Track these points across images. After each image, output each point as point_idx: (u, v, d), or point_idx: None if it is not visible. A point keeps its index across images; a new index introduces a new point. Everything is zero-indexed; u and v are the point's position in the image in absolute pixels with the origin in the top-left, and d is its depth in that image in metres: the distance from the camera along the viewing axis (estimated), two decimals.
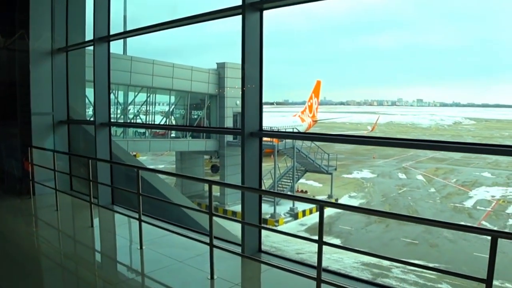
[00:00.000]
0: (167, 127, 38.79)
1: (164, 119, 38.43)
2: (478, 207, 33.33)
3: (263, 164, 7.16)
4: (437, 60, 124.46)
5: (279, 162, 36.12)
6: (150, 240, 7.22)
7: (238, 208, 28.02)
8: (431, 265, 21.54)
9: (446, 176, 44.09)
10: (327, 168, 36.37)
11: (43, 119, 11.22)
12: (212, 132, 35.77)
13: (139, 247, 7.01)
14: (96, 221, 8.62)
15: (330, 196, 35.71)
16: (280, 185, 35.43)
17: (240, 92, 6.66)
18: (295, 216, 32.04)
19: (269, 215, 31.08)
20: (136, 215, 7.07)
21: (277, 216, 31.24)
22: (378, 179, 43.61)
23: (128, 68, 31.45)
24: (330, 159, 36.87)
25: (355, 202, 35.47)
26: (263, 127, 7.09)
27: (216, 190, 33.63)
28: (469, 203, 34.48)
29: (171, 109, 38.19)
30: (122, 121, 34.38)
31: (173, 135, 36.66)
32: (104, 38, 9.73)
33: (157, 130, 37.78)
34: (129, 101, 35.45)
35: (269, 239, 23.75)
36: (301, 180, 38.43)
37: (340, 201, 35.13)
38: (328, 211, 28.09)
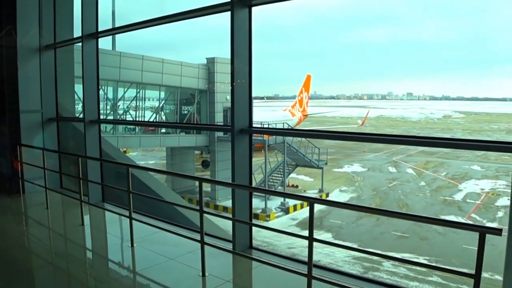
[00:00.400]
0: (157, 124, 38.70)
1: (154, 114, 38.27)
2: (468, 200, 33.60)
3: (254, 159, 7.18)
4: (427, 54, 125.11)
5: (270, 156, 36.14)
6: (141, 238, 7.22)
7: (229, 203, 28.02)
8: (421, 258, 21.77)
9: (436, 169, 44.39)
10: (317, 163, 36.44)
11: (32, 116, 11.13)
12: (202, 129, 35.73)
13: (130, 245, 7.01)
14: (86, 219, 8.58)
15: (321, 190, 35.82)
16: (271, 180, 35.46)
17: (230, 87, 6.65)
18: (286, 211, 32.13)
19: (260, 210, 31.14)
20: (127, 213, 7.05)
21: (268, 211, 31.30)
22: (368, 173, 43.81)
23: (118, 63, 31.27)
24: (321, 153, 36.92)
25: (345, 196, 35.65)
26: (253, 122, 7.10)
27: (207, 186, 33.61)
28: (459, 196, 34.75)
29: (161, 105, 38.03)
30: (112, 117, 34.22)
31: (163, 130, 36.52)
32: (92, 35, 9.67)
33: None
34: (119, 97, 35.26)
35: (260, 234, 23.78)
36: (292, 175, 38.53)
37: (330, 195, 35.36)
38: (320, 205, 28.19)
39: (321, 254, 21.71)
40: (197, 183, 6.16)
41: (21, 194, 10.36)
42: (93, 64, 9.78)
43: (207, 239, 5.93)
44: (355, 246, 21.28)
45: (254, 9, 6.61)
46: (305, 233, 4.80)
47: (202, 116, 38.23)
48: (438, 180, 39.91)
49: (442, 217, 27.50)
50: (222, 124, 35.55)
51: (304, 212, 30.62)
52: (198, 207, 5.89)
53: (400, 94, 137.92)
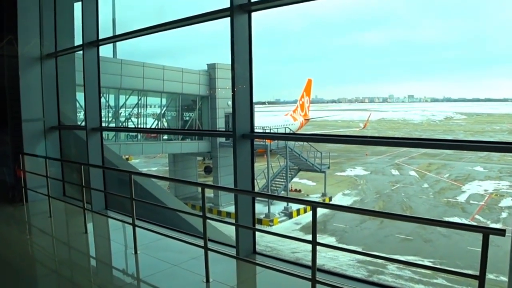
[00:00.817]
0: (159, 131, 38.75)
1: (156, 121, 38.32)
2: (471, 202, 33.51)
3: (256, 164, 7.18)
4: (427, 55, 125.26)
5: (272, 161, 36.14)
6: (145, 245, 7.21)
7: (232, 208, 27.98)
8: (425, 261, 21.70)
9: (438, 171, 44.30)
10: (320, 167, 36.42)
11: (34, 125, 11.15)
12: (204, 135, 35.82)
13: (133, 252, 7.00)
14: (90, 227, 8.59)
15: (324, 195, 35.80)
16: (273, 185, 35.44)
17: (231, 93, 6.66)
18: (289, 216, 32.08)
19: (264, 215, 31.11)
20: (130, 220, 7.05)
21: (272, 215, 31.26)
22: (371, 176, 43.74)
23: (119, 71, 31.35)
24: (323, 157, 36.92)
25: (349, 200, 35.57)
26: (255, 127, 7.10)
27: (209, 192, 33.60)
28: (462, 198, 34.66)
29: (162, 112, 38.08)
30: (114, 124, 34.27)
31: (165, 137, 36.56)
32: (93, 43, 9.70)
33: None
34: (120, 104, 35.33)
35: (264, 239, 23.76)
36: (295, 179, 38.46)
37: (334, 199, 35.30)
38: (323, 209, 28.16)
39: (325, 258, 21.66)
40: (200, 189, 6.16)
41: (24, 203, 10.37)
42: (94, 72, 9.80)
43: (210, 245, 5.93)
44: (359, 249, 21.24)
45: (253, 14, 6.64)
46: (309, 237, 4.80)
47: (204, 122, 38.26)
48: (441, 182, 39.82)
49: (446, 219, 27.45)
50: (223, 129, 35.56)
51: (307, 217, 30.50)
52: (201, 213, 5.89)
53: (401, 97, 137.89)
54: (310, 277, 4.72)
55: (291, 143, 35.28)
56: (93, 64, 9.80)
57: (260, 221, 30.06)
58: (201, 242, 5.96)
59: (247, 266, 6.45)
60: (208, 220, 5.91)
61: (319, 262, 4.77)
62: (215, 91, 36.96)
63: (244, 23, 6.56)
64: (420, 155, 51.81)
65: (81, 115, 16.27)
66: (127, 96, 35.05)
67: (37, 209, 10.16)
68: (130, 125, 35.86)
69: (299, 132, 54.66)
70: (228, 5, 6.46)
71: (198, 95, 37.49)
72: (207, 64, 37.90)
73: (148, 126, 36.73)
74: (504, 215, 30.14)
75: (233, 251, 6.69)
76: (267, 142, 33.68)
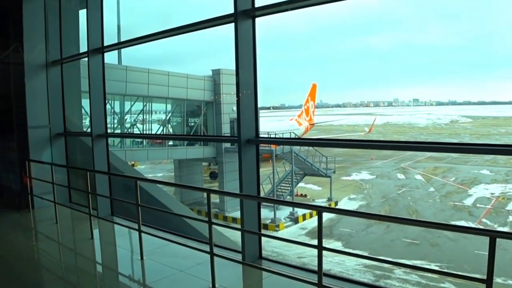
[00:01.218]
0: (164, 137, 38.81)
1: (161, 127, 38.40)
2: (478, 205, 33.36)
3: (262, 169, 7.19)
4: (432, 58, 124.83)
5: (278, 166, 36.13)
6: (151, 250, 7.22)
7: (238, 214, 28.01)
8: (432, 265, 21.59)
9: (444, 175, 44.14)
10: (325, 171, 36.35)
11: (40, 132, 11.21)
12: (209, 141, 35.85)
13: (139, 258, 7.00)
14: (96, 233, 8.61)
15: (329, 199, 35.71)
16: (279, 190, 35.39)
17: (236, 98, 6.68)
18: (295, 220, 32.02)
19: (270, 220, 31.07)
20: (136, 226, 7.06)
21: (278, 220, 31.21)
22: (377, 180, 43.61)
23: (124, 77, 31.45)
24: (328, 161, 36.86)
25: (354, 204, 35.49)
26: (260, 133, 7.11)
27: (215, 197, 33.61)
28: (468, 201, 34.52)
29: (167, 117, 38.16)
30: (119, 131, 34.36)
31: (170, 143, 36.58)
32: (98, 50, 9.75)
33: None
34: (126, 110, 35.43)
35: (270, 244, 23.74)
36: (300, 184, 38.37)
37: (339, 204, 35.26)
38: (329, 214, 28.10)
39: (332, 263, 21.61)
40: (205, 194, 6.16)
41: (30, 209, 10.41)
42: (100, 78, 9.85)
43: (216, 250, 5.93)
44: (365, 254, 21.18)
45: (257, 19, 6.66)
46: (315, 242, 4.79)
47: (209, 127, 38.30)
48: (447, 186, 39.67)
49: (453, 222, 27.30)
50: (229, 135, 35.59)
51: (313, 222, 30.40)
52: (206, 219, 5.89)
53: (406, 100, 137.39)
54: (317, 282, 4.71)
55: (296, 148, 35.26)
56: (98, 71, 9.84)
57: (266, 226, 30.02)
58: (207, 248, 5.96)
59: (253, 272, 6.44)
60: (214, 226, 5.91)
61: (325, 267, 4.76)
62: (220, 96, 36.99)
63: (248, 29, 6.59)
64: (426, 159, 51.63)
65: (86, 121, 16.37)
66: (132, 103, 35.15)
67: (43, 216, 10.19)
68: (136, 131, 35.95)
69: (304, 137, 54.60)
70: (232, 10, 6.49)
71: (203, 101, 37.54)
72: (212, 70, 37.96)
73: (153, 132, 36.80)
74: (511, 218, 29.97)
75: (239, 257, 6.68)
76: (272, 147, 33.65)
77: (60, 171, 10.76)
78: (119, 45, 11.59)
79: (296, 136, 40.73)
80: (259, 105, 6.90)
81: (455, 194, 36.93)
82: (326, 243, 4.77)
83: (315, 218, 5.15)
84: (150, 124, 37.17)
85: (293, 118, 59.78)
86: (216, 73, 37.29)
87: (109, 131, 10.75)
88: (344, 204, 35.73)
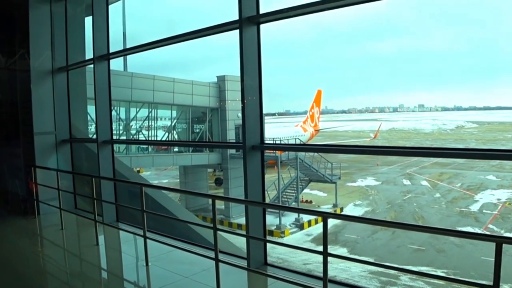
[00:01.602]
0: (169, 143, 38.85)
1: (167, 134, 38.47)
2: (484, 211, 33.20)
3: (267, 175, 7.19)
4: (437, 64, 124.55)
5: (283, 172, 36.09)
6: (156, 257, 7.21)
7: (243, 220, 28.07)
8: (438, 271, 21.47)
9: (450, 180, 43.97)
10: (331, 177, 36.28)
11: (45, 138, 11.25)
12: (214, 147, 35.87)
13: (145, 264, 7.00)
14: (101, 239, 8.61)
15: (335, 205, 35.61)
16: (284, 196, 35.35)
17: (241, 105, 6.69)
18: (300, 227, 31.95)
19: (275, 227, 31.01)
20: (141, 232, 7.06)
21: (283, 227, 31.15)
22: (382, 186, 43.50)
23: (129, 84, 31.57)
24: (334, 167, 36.77)
25: (360, 211, 35.41)
26: (265, 139, 7.11)
27: (220, 203, 33.61)
28: (475, 207, 34.37)
29: (173, 124, 38.24)
30: (124, 137, 34.46)
31: (176, 149, 36.65)
32: (104, 56, 9.80)
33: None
34: (131, 117, 35.54)
35: (275, 251, 23.68)
36: (306, 190, 38.33)
37: (345, 210, 35.17)
38: (334, 220, 28.03)
39: (337, 269, 21.52)
40: (210, 201, 6.16)
41: (36, 216, 10.42)
42: (105, 85, 9.89)
43: (221, 256, 5.91)
44: (371, 260, 21.08)
45: (262, 26, 6.68)
46: (320, 248, 4.78)
47: (214, 134, 38.33)
48: (453, 191, 39.51)
49: (459, 228, 27.17)
50: (234, 141, 35.62)
51: (319, 228, 30.37)
52: (212, 225, 5.89)
53: (411, 106, 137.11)
54: None
55: (301, 154, 35.24)
56: (104, 78, 9.89)
57: (271, 233, 29.97)
58: (212, 254, 5.94)
59: (258, 278, 6.43)
60: (219, 232, 5.90)
61: (330, 273, 4.74)
62: (225, 103, 37.05)
63: (253, 35, 6.60)
64: (432, 165, 51.45)
65: (92, 128, 16.44)
66: (137, 109, 35.25)
67: (49, 222, 10.22)
68: (141, 137, 36.03)
69: (309, 143, 54.58)
70: (237, 17, 6.51)
71: (208, 107, 37.61)
72: (217, 76, 38.03)
73: (158, 139, 36.88)
74: None
75: (244, 263, 6.67)
76: (278, 153, 33.66)
77: (66, 177, 10.80)
78: (125, 52, 11.66)
79: (301, 142, 40.72)
80: (264, 111, 6.90)
81: (461, 200, 36.77)
82: (331, 249, 4.75)
83: (321, 224, 5.14)
84: (155, 131, 37.25)
85: (298, 124, 59.86)
86: (221, 79, 37.36)
87: (114, 137, 10.78)
88: (350, 210, 35.64)
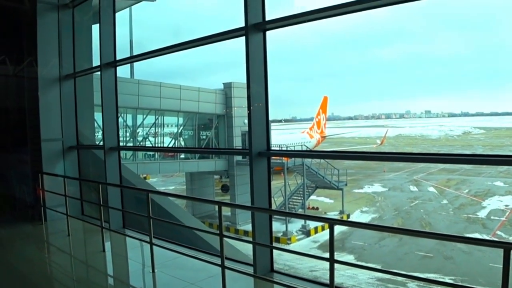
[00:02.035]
0: (176, 150, 38.92)
1: (173, 140, 38.55)
2: (492, 217, 32.99)
3: (273, 182, 7.18)
4: (444, 70, 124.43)
5: (289, 179, 36.04)
6: (162, 263, 7.21)
7: (249, 227, 28.01)
8: (446, 278, 21.33)
9: (458, 187, 43.75)
10: (337, 184, 36.19)
11: (53, 145, 11.31)
12: (220, 154, 35.91)
13: (151, 271, 7.00)
14: (107, 246, 8.62)
15: (341, 212, 35.50)
16: (291, 203, 35.28)
17: (247, 111, 6.69)
18: (307, 234, 31.85)
19: (281, 233, 30.94)
20: (148, 238, 7.06)
21: (289, 234, 31.07)
22: (389, 192, 43.34)
23: (136, 91, 31.70)
24: (340, 174, 36.69)
25: (367, 217, 35.27)
26: (272, 145, 7.11)
27: (227, 210, 33.58)
28: (482, 214, 34.15)
29: (179, 131, 38.33)
30: (131, 144, 34.56)
31: (182, 156, 36.70)
32: (110, 64, 9.86)
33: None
34: (138, 124, 35.65)
35: (282, 258, 23.61)
36: (312, 197, 38.25)
37: (352, 216, 35.04)
38: (341, 226, 27.93)
39: (344, 276, 21.42)
40: (217, 207, 6.16)
41: (43, 222, 10.46)
42: (112, 92, 9.94)
43: (227, 263, 5.91)
44: (378, 267, 20.97)
45: (268, 32, 6.70)
46: (327, 255, 4.76)
47: (220, 140, 38.36)
48: (461, 198, 39.30)
49: (466, 235, 27.00)
50: (240, 148, 35.62)
51: (325, 235, 30.28)
52: (218, 231, 5.88)
53: (418, 112, 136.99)
54: None
55: (308, 161, 35.18)
56: (110, 85, 9.94)
57: (278, 240, 29.91)
58: (218, 261, 5.94)
59: (264, 285, 6.42)
60: (225, 238, 5.90)
61: (337, 280, 4.73)
62: (231, 109, 37.10)
63: (259, 42, 6.62)
64: (439, 171, 51.23)
65: (99, 134, 16.51)
66: (144, 116, 35.36)
67: (55, 228, 10.24)
68: (148, 144, 36.12)
69: (315, 149, 54.54)
70: (243, 24, 6.53)
71: (215, 114, 37.67)
72: (223, 83, 38.10)
73: (165, 145, 36.96)
74: None
75: (250, 270, 6.66)
76: (284, 159, 33.64)
77: (73, 184, 10.84)
78: (132, 59, 11.72)
79: (308, 149, 40.68)
80: (270, 118, 6.91)
81: (468, 206, 36.55)
82: (338, 256, 4.73)
83: (327, 231, 5.13)
84: (162, 137, 37.34)
85: (305, 130, 59.85)
86: (228, 86, 37.44)
87: (121, 144, 10.82)
88: (357, 217, 35.52)
